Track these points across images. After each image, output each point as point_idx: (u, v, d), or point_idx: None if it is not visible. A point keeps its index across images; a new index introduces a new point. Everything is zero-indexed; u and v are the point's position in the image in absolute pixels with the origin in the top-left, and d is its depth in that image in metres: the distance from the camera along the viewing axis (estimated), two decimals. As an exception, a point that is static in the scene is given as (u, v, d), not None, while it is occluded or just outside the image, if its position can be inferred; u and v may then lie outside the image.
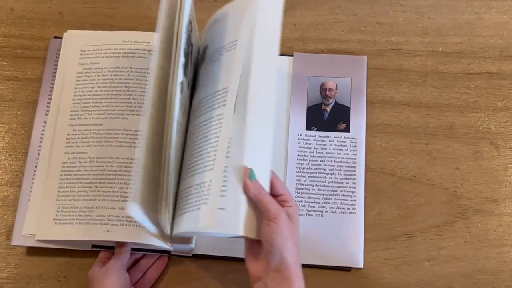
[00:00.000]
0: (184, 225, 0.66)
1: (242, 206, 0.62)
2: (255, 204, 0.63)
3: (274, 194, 0.65)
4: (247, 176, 0.62)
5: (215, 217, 0.62)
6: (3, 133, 0.83)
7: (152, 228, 0.68)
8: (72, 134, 0.77)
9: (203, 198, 0.64)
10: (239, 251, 0.73)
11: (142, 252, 0.75)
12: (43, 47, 0.87)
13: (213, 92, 0.70)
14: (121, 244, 0.72)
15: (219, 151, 0.65)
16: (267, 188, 0.64)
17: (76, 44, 0.83)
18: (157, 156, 0.66)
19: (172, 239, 0.70)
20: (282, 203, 0.64)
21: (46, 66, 0.85)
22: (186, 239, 0.72)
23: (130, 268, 0.74)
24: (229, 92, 0.67)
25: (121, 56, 0.81)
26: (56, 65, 0.83)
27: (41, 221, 0.74)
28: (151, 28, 0.88)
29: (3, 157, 0.82)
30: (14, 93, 0.85)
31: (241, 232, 0.62)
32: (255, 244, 0.65)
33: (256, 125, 0.65)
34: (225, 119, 0.66)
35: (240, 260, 0.75)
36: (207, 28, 0.78)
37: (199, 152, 0.68)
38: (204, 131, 0.69)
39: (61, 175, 0.76)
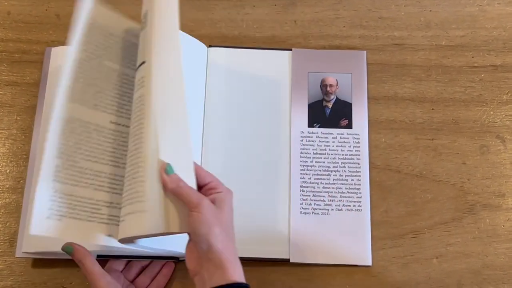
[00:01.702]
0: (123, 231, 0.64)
1: (162, 202, 0.61)
2: (176, 198, 0.61)
3: (201, 184, 0.63)
4: (164, 171, 0.61)
5: (138, 219, 0.61)
6: (3, 139, 0.82)
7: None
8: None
9: (125, 200, 0.64)
10: (244, 252, 0.73)
11: (149, 259, 0.75)
12: (41, 51, 0.86)
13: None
14: (78, 252, 0.67)
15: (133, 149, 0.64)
16: (191, 179, 0.62)
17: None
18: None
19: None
20: (210, 190, 0.63)
21: (42, 73, 0.83)
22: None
23: (137, 276, 0.74)
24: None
25: None
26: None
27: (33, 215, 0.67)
28: (150, 28, 0.87)
29: (3, 163, 0.81)
30: (13, 98, 0.84)
31: (163, 229, 0.60)
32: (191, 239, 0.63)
33: (167, 118, 0.63)
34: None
35: (245, 260, 0.74)
36: None
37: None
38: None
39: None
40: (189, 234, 0.63)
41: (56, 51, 0.83)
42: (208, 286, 0.59)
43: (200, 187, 0.63)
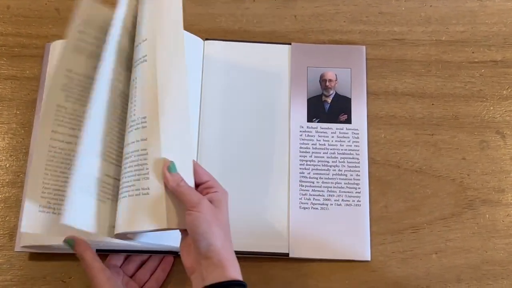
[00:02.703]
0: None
1: (164, 199, 0.62)
2: (175, 196, 0.62)
3: (198, 182, 0.64)
4: (166, 169, 0.62)
5: (141, 215, 0.62)
6: (3, 133, 0.82)
7: None
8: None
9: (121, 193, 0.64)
10: (243, 246, 0.73)
11: (148, 253, 0.75)
12: (40, 45, 0.86)
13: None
14: (79, 246, 0.67)
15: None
16: (190, 177, 0.63)
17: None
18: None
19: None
20: (206, 189, 0.63)
21: (42, 67, 0.83)
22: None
23: (137, 270, 0.74)
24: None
25: None
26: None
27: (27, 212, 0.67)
28: (150, 23, 0.87)
29: (3, 158, 0.81)
30: (13, 93, 0.84)
31: (164, 225, 0.61)
32: (187, 236, 0.63)
33: (171, 116, 0.64)
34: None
35: (244, 255, 0.75)
36: None
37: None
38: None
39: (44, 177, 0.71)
40: (183, 232, 0.64)
41: (55, 45, 0.83)
42: (207, 283, 0.59)
43: (196, 185, 0.63)
